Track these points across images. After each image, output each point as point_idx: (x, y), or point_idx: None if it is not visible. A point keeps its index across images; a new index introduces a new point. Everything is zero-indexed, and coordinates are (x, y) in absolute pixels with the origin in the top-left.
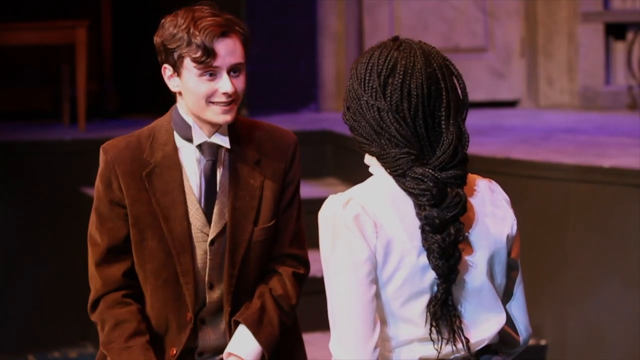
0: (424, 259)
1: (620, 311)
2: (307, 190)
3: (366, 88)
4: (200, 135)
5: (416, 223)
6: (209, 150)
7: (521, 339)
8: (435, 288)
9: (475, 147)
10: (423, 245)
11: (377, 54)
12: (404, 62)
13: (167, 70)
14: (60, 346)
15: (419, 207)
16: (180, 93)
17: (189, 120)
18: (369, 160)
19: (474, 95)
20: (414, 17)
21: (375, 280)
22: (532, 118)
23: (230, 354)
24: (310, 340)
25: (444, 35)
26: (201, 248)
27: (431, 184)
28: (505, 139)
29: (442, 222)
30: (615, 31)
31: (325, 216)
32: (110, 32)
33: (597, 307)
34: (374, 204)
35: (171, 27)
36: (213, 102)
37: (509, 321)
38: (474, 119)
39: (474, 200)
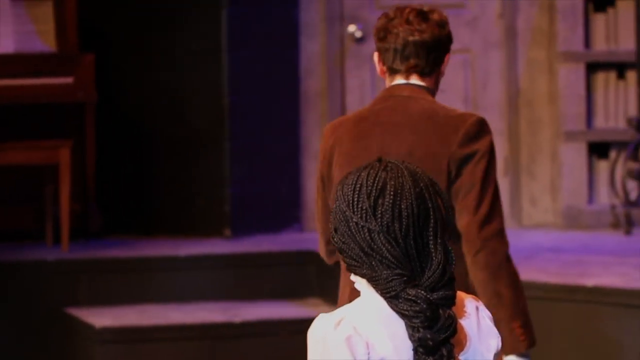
0: None
1: None
2: (291, 310)
3: (355, 209)
4: None
5: (405, 343)
6: None
7: None
8: None
9: None
10: None
11: (364, 174)
12: (393, 182)
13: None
14: None
15: (412, 328)
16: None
17: None
18: (355, 278)
19: None
20: None
21: None
22: (516, 238)
23: None
24: None
25: None
26: None
27: (425, 306)
28: None
29: (435, 344)
30: (598, 150)
31: (316, 336)
32: (94, 152)
33: None
34: (366, 324)
35: None
36: None
37: None
38: None
39: (462, 321)
